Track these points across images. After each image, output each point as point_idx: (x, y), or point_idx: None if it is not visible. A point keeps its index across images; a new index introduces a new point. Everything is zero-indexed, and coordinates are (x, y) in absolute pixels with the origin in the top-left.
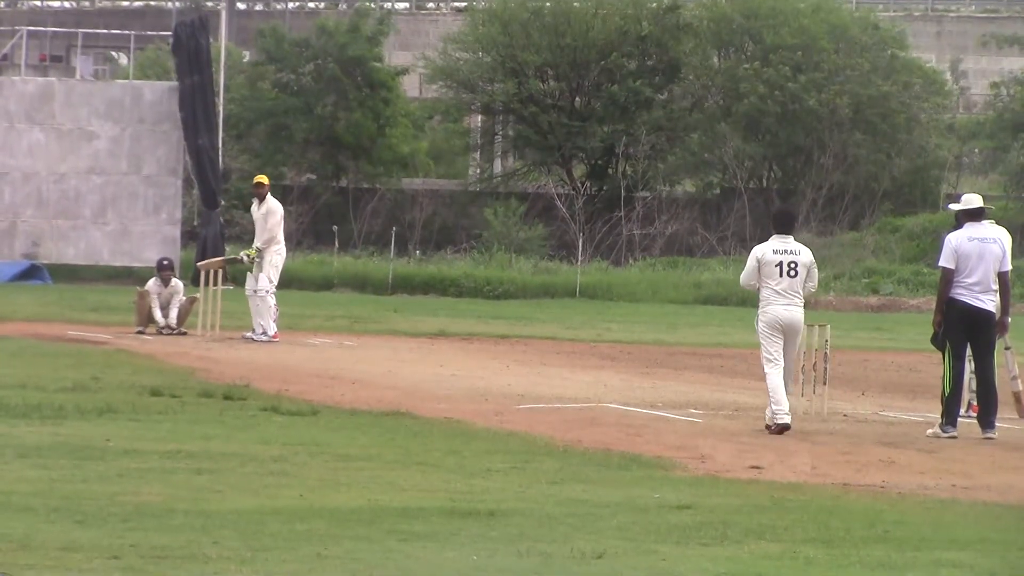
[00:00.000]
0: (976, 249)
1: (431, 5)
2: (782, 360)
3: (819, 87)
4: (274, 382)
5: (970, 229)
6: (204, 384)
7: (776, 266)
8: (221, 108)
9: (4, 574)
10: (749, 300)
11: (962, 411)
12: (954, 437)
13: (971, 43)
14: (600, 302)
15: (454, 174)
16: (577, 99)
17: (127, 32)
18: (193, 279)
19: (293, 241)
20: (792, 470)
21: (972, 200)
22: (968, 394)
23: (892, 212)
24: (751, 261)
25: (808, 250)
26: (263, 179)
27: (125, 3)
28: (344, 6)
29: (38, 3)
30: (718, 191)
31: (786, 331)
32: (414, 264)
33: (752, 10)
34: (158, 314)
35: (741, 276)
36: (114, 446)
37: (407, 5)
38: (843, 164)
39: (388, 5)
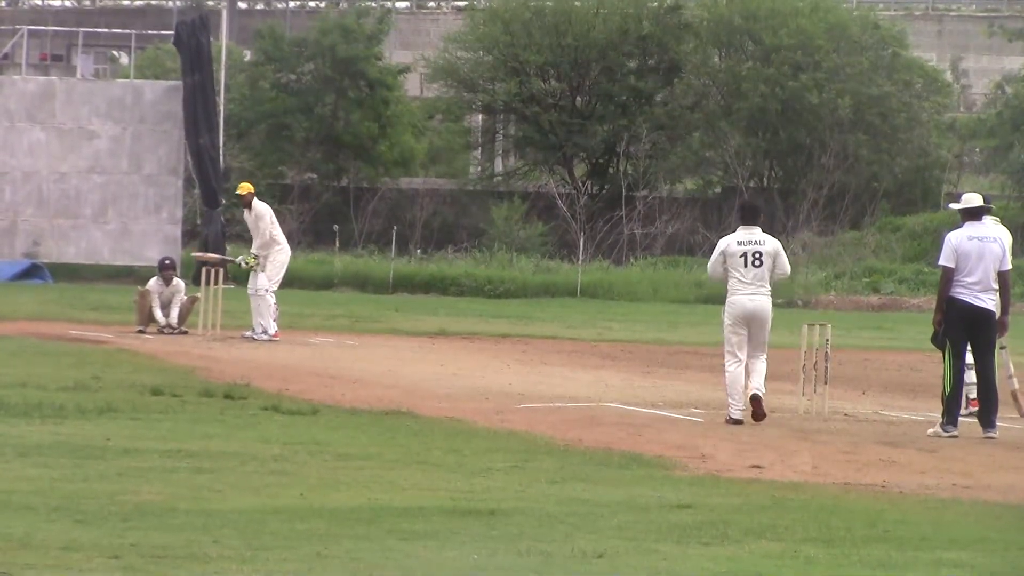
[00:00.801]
0: (976, 248)
1: (432, 4)
2: (744, 356)
3: (819, 86)
4: (275, 381)
5: (970, 228)
6: (205, 383)
7: (741, 256)
8: (222, 107)
9: (4, 573)
10: None
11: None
12: (955, 436)
13: (972, 42)
14: (601, 301)
15: (454, 173)
16: (578, 98)
17: (128, 31)
18: (194, 278)
19: (294, 240)
20: (793, 469)
21: (972, 199)
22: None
23: (893, 211)
24: (716, 253)
25: (774, 239)
26: (245, 188)
27: (126, 2)
28: (344, 5)
29: (39, 2)
30: (719, 190)
31: (750, 321)
32: (415, 263)
33: (751, 11)
34: (159, 313)
35: (708, 267)
36: (114, 445)
37: (408, 4)
38: (844, 163)
39: (388, 4)
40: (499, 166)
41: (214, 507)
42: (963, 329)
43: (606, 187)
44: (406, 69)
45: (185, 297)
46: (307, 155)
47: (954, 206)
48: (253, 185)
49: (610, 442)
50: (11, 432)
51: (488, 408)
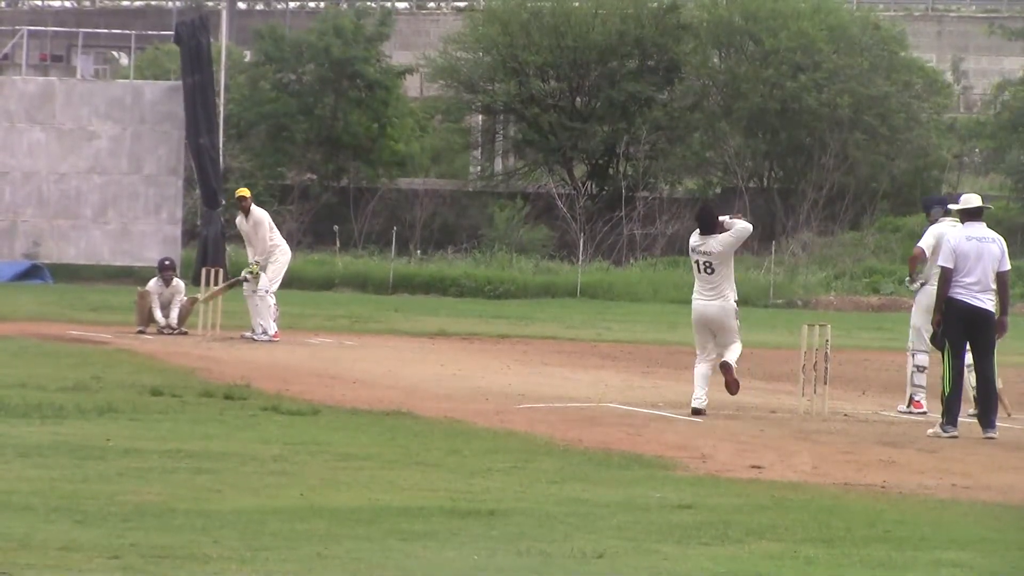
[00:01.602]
0: (975, 249)
1: (432, 5)
2: (709, 353)
3: (819, 87)
4: (274, 382)
5: (969, 228)
6: (205, 384)
7: (695, 263)
8: (221, 108)
9: (4, 574)
10: (749, 300)
11: (918, 408)
12: (955, 437)
13: (972, 43)
14: (601, 302)
15: (454, 174)
16: (578, 99)
17: (128, 32)
18: (194, 279)
19: (294, 241)
20: (793, 470)
21: (971, 200)
22: (914, 389)
23: (892, 212)
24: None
25: (718, 241)
26: (245, 192)
27: (126, 3)
28: (344, 6)
29: (39, 3)
30: (719, 190)
31: (708, 325)
32: (415, 264)
33: (751, 12)
34: (159, 314)
35: None
36: (114, 446)
37: (408, 4)
38: (844, 164)
39: (389, 5)
40: (499, 166)
41: (214, 507)
42: (962, 330)
43: (606, 188)
44: (408, 71)
45: (185, 298)
46: (307, 156)
47: (953, 207)
48: (250, 189)
49: (610, 442)
50: (11, 432)
51: (488, 408)
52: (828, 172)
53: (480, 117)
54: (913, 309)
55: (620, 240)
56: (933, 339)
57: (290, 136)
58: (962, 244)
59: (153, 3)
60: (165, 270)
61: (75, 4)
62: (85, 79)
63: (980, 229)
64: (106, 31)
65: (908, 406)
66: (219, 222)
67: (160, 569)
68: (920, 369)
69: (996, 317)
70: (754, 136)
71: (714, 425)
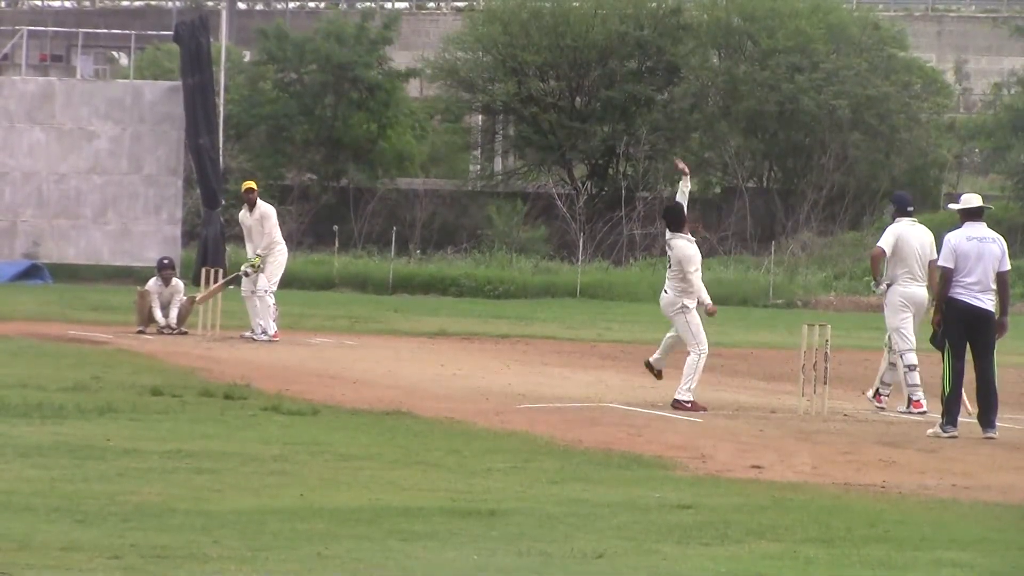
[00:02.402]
0: (975, 249)
1: (432, 5)
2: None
3: (818, 87)
4: (275, 382)
5: (969, 228)
6: (205, 384)
7: (667, 259)
8: (221, 108)
9: (4, 574)
10: (749, 299)
11: (879, 402)
12: (954, 437)
13: (972, 43)
14: (601, 302)
15: (454, 174)
16: (577, 99)
17: (127, 32)
18: (193, 279)
19: (294, 241)
20: (793, 470)
21: (971, 200)
22: (883, 386)
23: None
24: None
25: (682, 244)
26: (252, 185)
27: (125, 3)
28: (344, 6)
29: (39, 3)
30: (719, 191)
31: (664, 313)
32: (414, 264)
33: (750, 13)
34: (158, 314)
35: None
36: (114, 446)
37: (408, 4)
38: (843, 164)
39: (389, 5)
40: (498, 166)
41: (214, 507)
42: (962, 330)
43: (605, 188)
44: (411, 74)
45: (184, 298)
46: (307, 156)
47: (953, 206)
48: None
49: (610, 442)
50: (11, 432)
51: (488, 408)
52: (828, 172)
53: (480, 117)
54: (886, 312)
55: (620, 240)
56: (933, 339)
57: (290, 136)
58: (962, 244)
59: (153, 3)
60: (164, 269)
61: (75, 4)
62: (85, 79)
63: (980, 229)
64: (106, 31)
65: (908, 406)
66: (219, 222)
67: (160, 569)
68: (912, 368)
69: (996, 317)
70: (753, 136)
71: (714, 425)
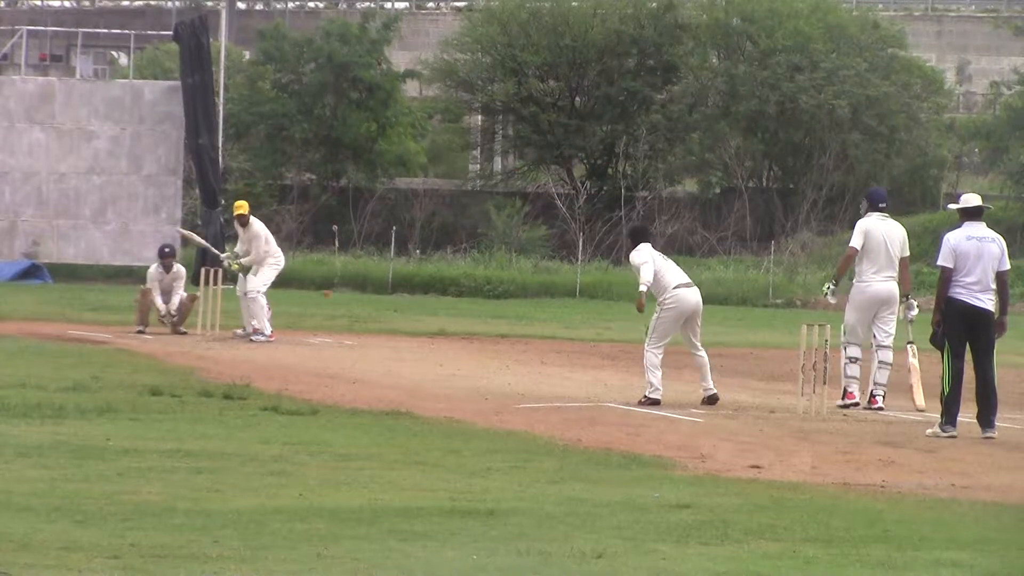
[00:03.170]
0: (975, 248)
1: (431, 5)
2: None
3: (817, 87)
4: (274, 381)
5: (968, 228)
6: (204, 383)
7: None
8: (221, 108)
9: (4, 574)
10: (749, 299)
11: (874, 404)
12: (954, 436)
13: (972, 43)
14: (600, 301)
15: (453, 174)
16: (576, 99)
17: (127, 32)
18: (193, 279)
19: (293, 241)
20: (792, 469)
21: (970, 199)
22: (870, 385)
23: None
24: None
25: (634, 255)
26: (243, 208)
27: (125, 3)
28: (343, 6)
29: (38, 2)
30: (718, 191)
31: None
32: (414, 264)
33: (749, 13)
34: (159, 301)
35: None
36: (114, 445)
37: (407, 5)
38: (843, 164)
39: (388, 5)
40: (498, 166)
41: (214, 507)
42: (962, 329)
43: (605, 188)
44: (411, 75)
45: (185, 293)
46: (306, 156)
47: (953, 206)
48: (250, 189)
49: (609, 442)
50: (11, 432)
51: (487, 408)
52: (827, 172)
53: (479, 117)
54: (848, 307)
55: (619, 240)
56: (933, 339)
57: (289, 136)
58: (962, 244)
59: (153, 3)
60: (165, 256)
61: (75, 4)
62: (84, 79)
63: (980, 229)
64: (106, 31)
65: (843, 398)
66: (219, 222)
67: (160, 569)
68: (853, 360)
69: (996, 317)
70: (753, 136)
71: (713, 425)
